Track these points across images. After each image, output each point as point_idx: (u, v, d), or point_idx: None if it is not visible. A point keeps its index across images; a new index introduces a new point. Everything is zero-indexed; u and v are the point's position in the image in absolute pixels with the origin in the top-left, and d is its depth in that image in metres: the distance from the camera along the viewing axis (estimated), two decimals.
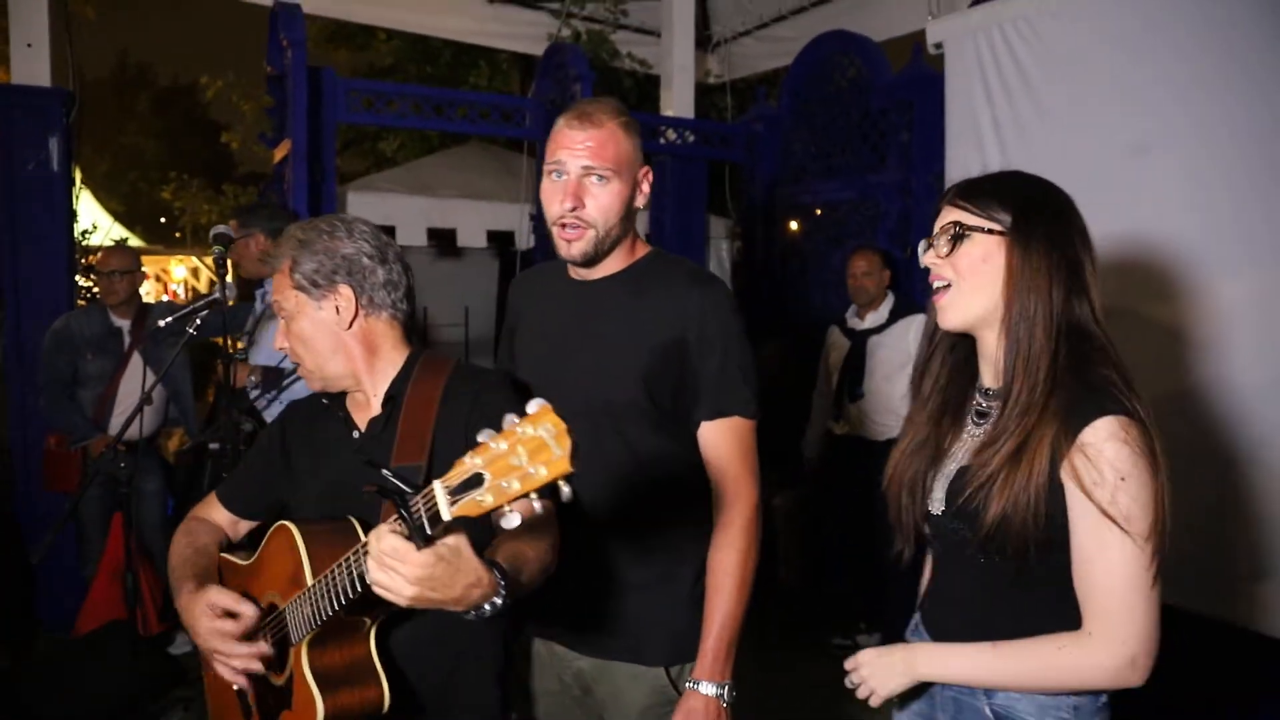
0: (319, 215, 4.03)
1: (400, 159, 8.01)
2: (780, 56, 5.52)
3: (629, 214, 1.61)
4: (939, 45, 3.78)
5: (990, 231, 1.31)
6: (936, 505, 1.38)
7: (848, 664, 1.41)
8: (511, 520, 0.95)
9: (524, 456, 0.91)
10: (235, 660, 1.40)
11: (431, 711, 1.50)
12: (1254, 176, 2.66)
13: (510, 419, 0.93)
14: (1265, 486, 2.67)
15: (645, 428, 1.61)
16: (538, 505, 0.94)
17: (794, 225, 5.17)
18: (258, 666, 1.41)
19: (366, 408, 1.56)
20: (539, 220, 4.96)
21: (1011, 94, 3.39)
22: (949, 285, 1.36)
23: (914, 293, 4.03)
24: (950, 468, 1.39)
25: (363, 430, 1.54)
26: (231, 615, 1.41)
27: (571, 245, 1.58)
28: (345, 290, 1.49)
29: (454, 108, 4.65)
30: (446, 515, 0.97)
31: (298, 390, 2.53)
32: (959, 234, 1.33)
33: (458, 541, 1.07)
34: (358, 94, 4.40)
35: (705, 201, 5.42)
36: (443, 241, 5.30)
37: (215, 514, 1.71)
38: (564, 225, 1.57)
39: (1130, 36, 2.97)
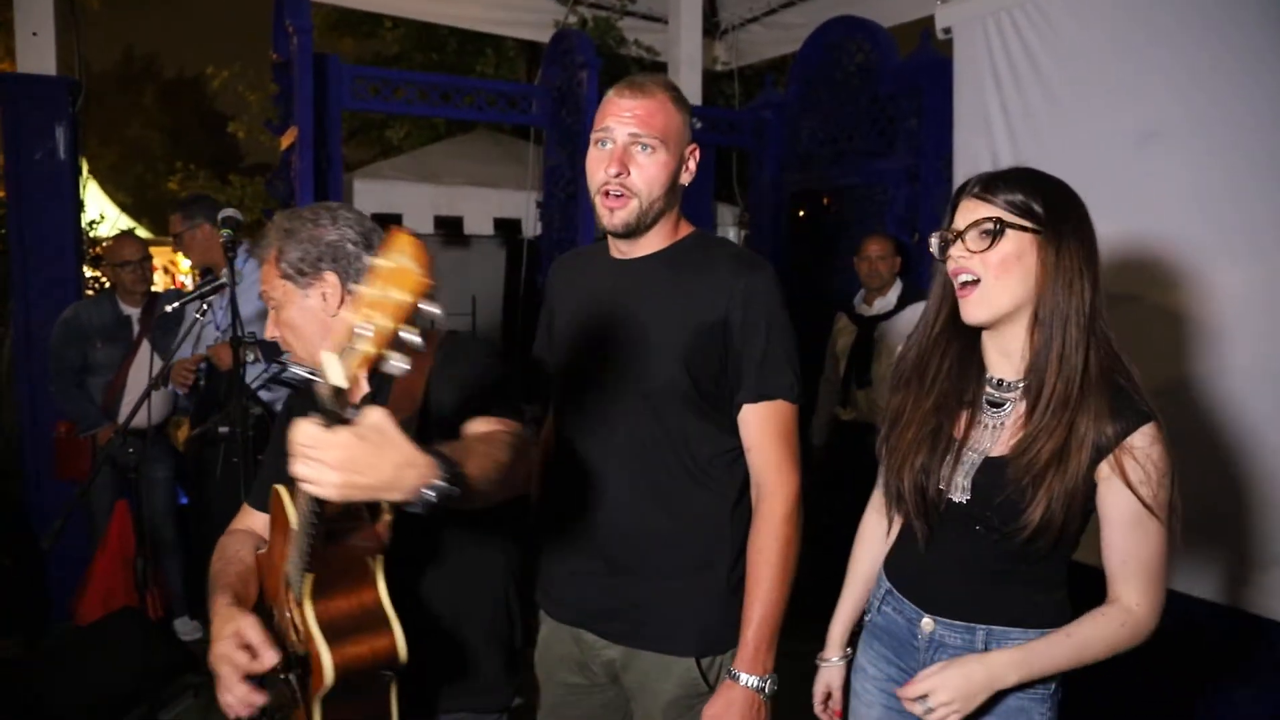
0: (324, 202, 4.01)
1: (407, 147, 8.01)
2: (788, 43, 5.49)
3: (674, 188, 1.58)
4: (948, 30, 3.74)
5: (1025, 229, 1.34)
6: (959, 494, 1.41)
7: (911, 691, 1.37)
8: (394, 368, 0.91)
9: (389, 289, 0.87)
10: (229, 694, 1.35)
11: (432, 674, 1.47)
12: (1258, 166, 2.64)
13: (371, 260, 0.88)
14: (1265, 471, 2.66)
15: (684, 410, 1.58)
16: (417, 339, 0.90)
17: (801, 212, 5.15)
18: (245, 713, 1.37)
19: (359, 387, 1.51)
20: (546, 207, 4.99)
21: (1020, 80, 3.36)
22: (976, 280, 1.37)
23: (921, 280, 4.01)
24: (972, 458, 1.41)
25: (356, 404, 1.48)
26: (250, 649, 1.35)
27: (614, 214, 1.55)
28: (330, 277, 1.49)
29: (460, 95, 4.63)
30: (341, 381, 0.93)
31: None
32: (998, 230, 1.34)
33: (379, 418, 1.01)
34: (363, 81, 4.39)
35: (713, 189, 5.40)
36: (449, 230, 5.30)
37: (249, 520, 1.70)
38: (607, 193, 1.55)
39: (1141, 24, 2.94)
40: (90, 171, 4.75)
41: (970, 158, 3.64)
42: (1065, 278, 1.32)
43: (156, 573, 3.77)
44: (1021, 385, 1.39)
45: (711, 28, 5.89)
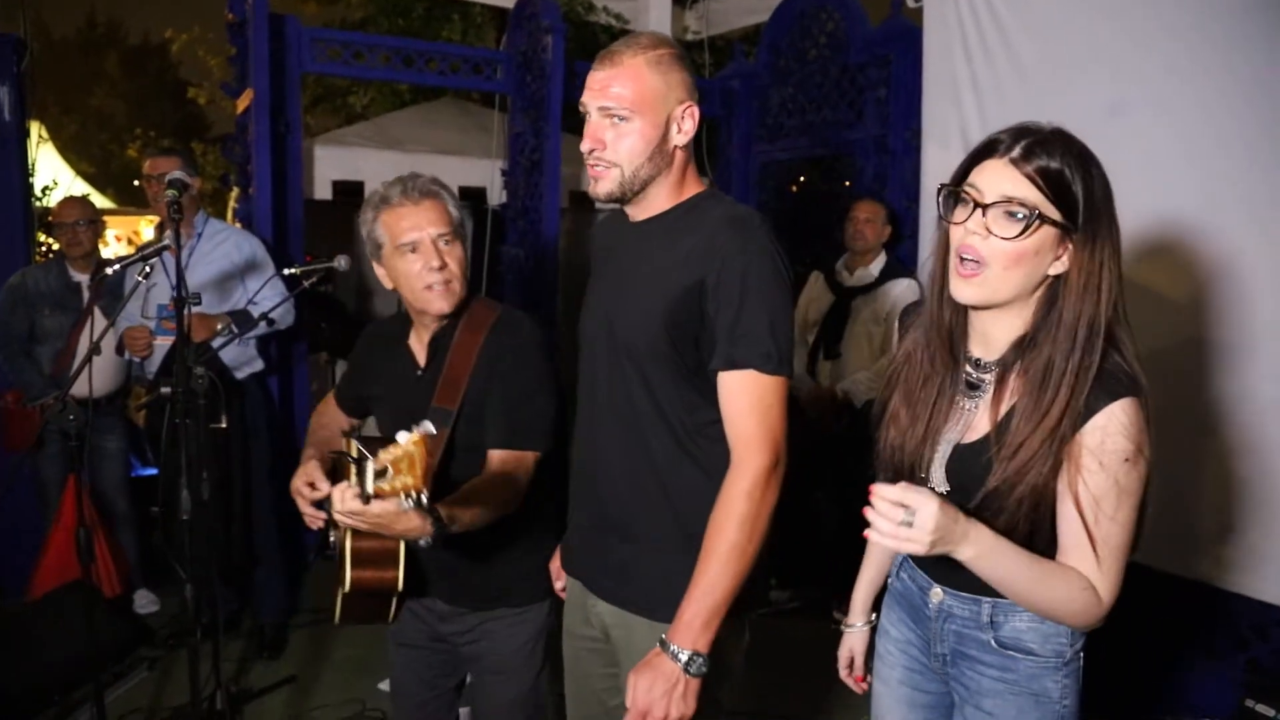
0: (283, 169, 3.91)
1: (371, 114, 7.86)
2: (759, 13, 5.40)
3: (661, 152, 1.54)
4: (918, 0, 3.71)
5: (1057, 225, 1.21)
6: (938, 485, 1.35)
7: (893, 494, 1.17)
8: (403, 503, 1.35)
9: (404, 465, 1.31)
10: (303, 509, 1.82)
11: (477, 579, 1.91)
12: (1224, 140, 2.63)
13: (403, 435, 1.31)
14: (1225, 447, 2.67)
15: (670, 376, 1.54)
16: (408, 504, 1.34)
17: (770, 182, 5.10)
18: (315, 523, 1.82)
19: (422, 343, 1.90)
20: (511, 175, 4.91)
21: (989, 50, 3.33)
22: (978, 262, 1.24)
23: (904, 256, 3.97)
24: (944, 448, 1.36)
25: (422, 369, 1.88)
26: (313, 485, 1.80)
27: (597, 184, 1.56)
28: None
29: (423, 59, 4.53)
30: (370, 490, 1.35)
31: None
32: (1031, 221, 1.21)
33: (385, 511, 1.44)
34: (323, 44, 4.28)
35: None
36: None
37: (335, 410, 2.11)
38: (590, 166, 1.56)
39: None
40: (51, 139, 4.61)
41: (939, 128, 3.62)
42: (1094, 281, 1.21)
43: (113, 545, 3.71)
44: (996, 369, 1.33)
45: None
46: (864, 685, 1.72)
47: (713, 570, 1.44)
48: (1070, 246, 1.23)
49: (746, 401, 1.47)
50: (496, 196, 5.07)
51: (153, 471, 4.32)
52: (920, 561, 1.48)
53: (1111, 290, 1.23)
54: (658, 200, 1.60)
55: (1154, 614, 2.97)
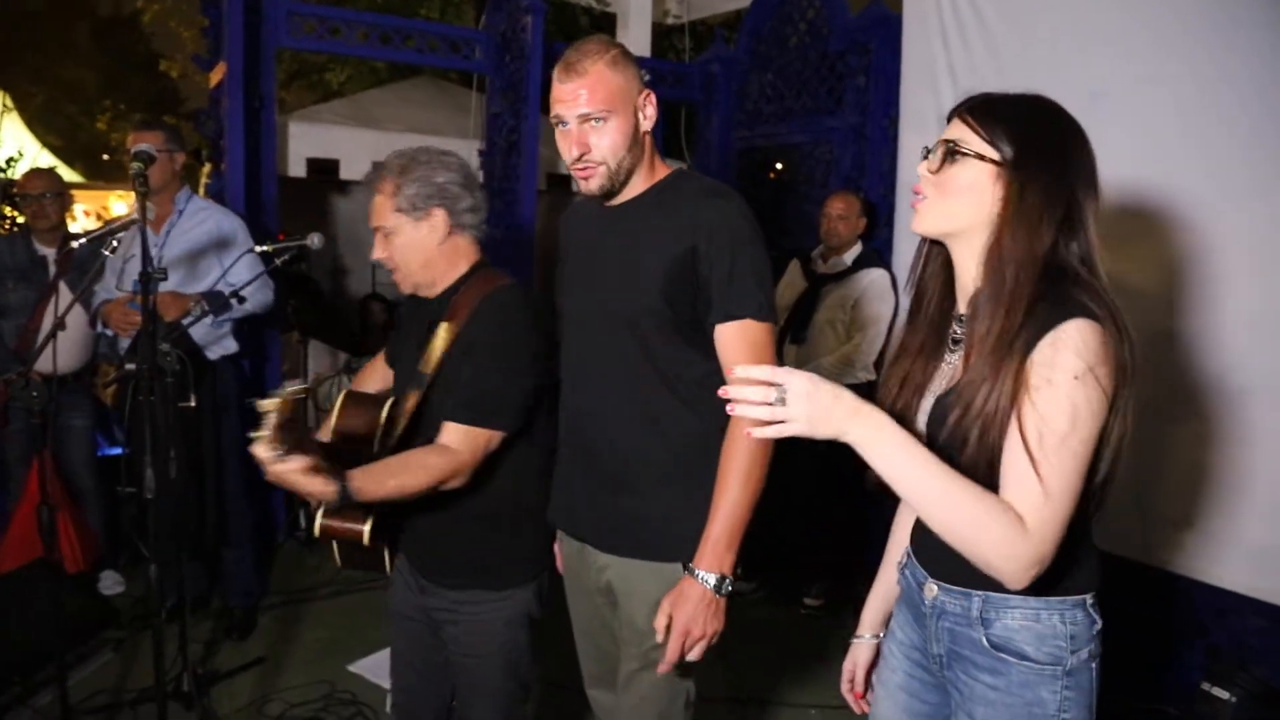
0: (257, 146, 3.84)
1: (347, 92, 7.76)
2: None
3: (637, 140, 1.69)
4: None
5: (984, 158, 1.26)
6: (920, 432, 1.35)
7: (755, 373, 1.17)
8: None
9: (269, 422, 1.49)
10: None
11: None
12: (1201, 127, 2.66)
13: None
14: (1186, 434, 2.71)
15: (668, 336, 1.70)
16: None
17: (749, 168, 5.10)
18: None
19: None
20: (488, 156, 4.87)
21: (968, 39, 3.34)
22: (920, 195, 1.33)
23: (880, 245, 3.97)
24: (928, 400, 1.36)
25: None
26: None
27: (589, 182, 1.69)
28: (439, 213, 1.83)
29: (401, 37, 4.48)
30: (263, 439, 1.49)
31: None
32: (951, 152, 1.29)
33: (285, 468, 1.53)
34: (299, 18, 4.21)
35: (661, 143, 5.32)
36: None
37: (380, 359, 2.18)
38: (577, 169, 1.69)
39: None
40: (18, 110, 4.50)
41: (917, 116, 3.62)
42: (1023, 219, 1.23)
43: (79, 524, 3.66)
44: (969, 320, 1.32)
45: None
46: (864, 705, 1.65)
47: (730, 498, 1.62)
48: (1003, 184, 1.26)
49: (743, 347, 1.65)
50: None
51: (120, 451, 4.27)
52: (919, 553, 1.45)
53: (1046, 233, 1.23)
54: (635, 184, 1.74)
55: (1116, 600, 3.01)
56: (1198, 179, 2.66)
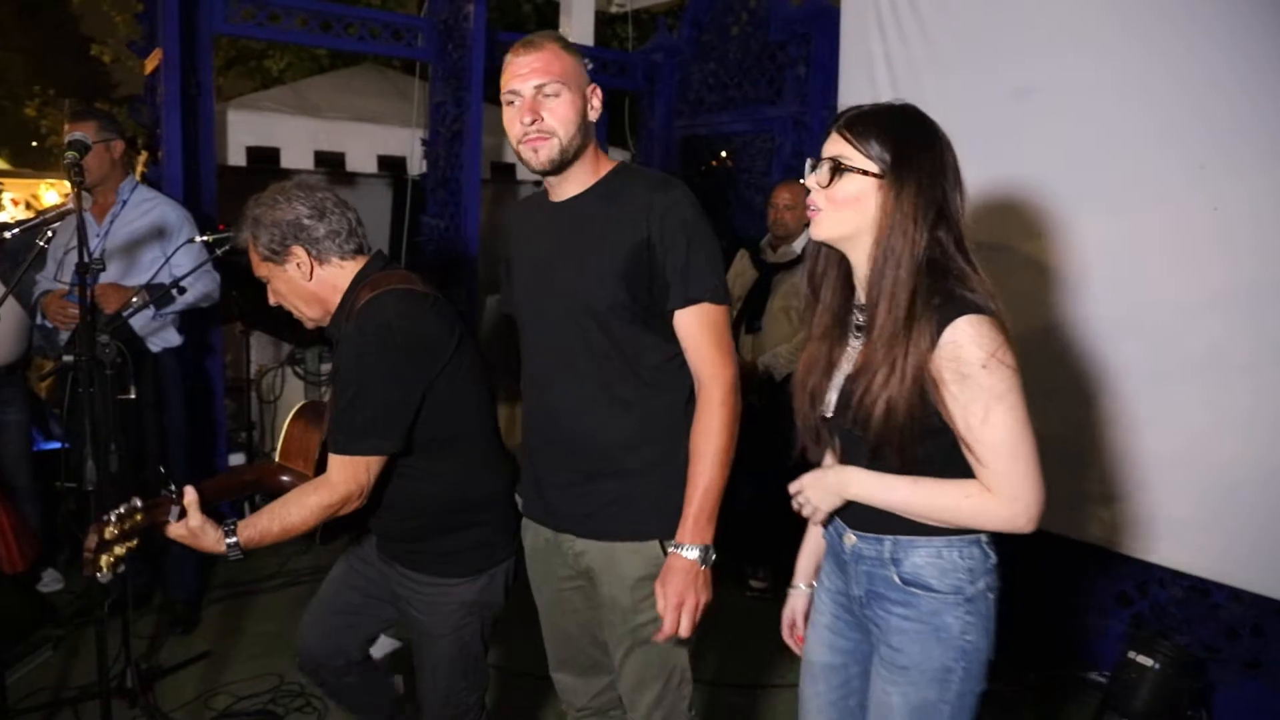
0: (195, 134, 3.76)
1: (287, 79, 7.63)
2: None
3: (585, 125, 1.75)
4: None
5: (866, 173, 1.42)
6: (829, 410, 1.55)
7: (792, 487, 1.57)
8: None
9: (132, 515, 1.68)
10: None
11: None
12: (1129, 126, 2.76)
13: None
14: (1108, 414, 2.83)
15: (630, 325, 1.75)
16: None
17: (692, 157, 5.14)
18: None
19: None
20: (431, 145, 4.84)
21: (905, 31, 3.41)
22: (816, 208, 1.50)
23: None
24: (838, 378, 1.54)
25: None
26: None
27: (539, 153, 1.72)
28: (298, 250, 1.86)
29: (342, 24, 4.43)
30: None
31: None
32: (835, 170, 1.44)
33: (198, 528, 1.75)
34: (236, 4, 4.13)
35: (605, 132, 5.33)
36: (331, 166, 5.08)
37: None
38: (528, 140, 1.71)
39: None
40: None
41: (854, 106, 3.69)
42: (901, 222, 1.40)
43: (15, 521, 3.57)
44: (868, 309, 1.49)
45: None
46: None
47: (707, 473, 1.70)
48: (882, 192, 1.42)
49: (704, 329, 1.73)
50: (417, 166, 5.00)
51: (56, 446, 4.18)
52: (836, 510, 1.62)
53: (922, 235, 1.40)
54: (580, 177, 1.80)
55: (1048, 573, 3.14)
56: (1120, 172, 2.77)
